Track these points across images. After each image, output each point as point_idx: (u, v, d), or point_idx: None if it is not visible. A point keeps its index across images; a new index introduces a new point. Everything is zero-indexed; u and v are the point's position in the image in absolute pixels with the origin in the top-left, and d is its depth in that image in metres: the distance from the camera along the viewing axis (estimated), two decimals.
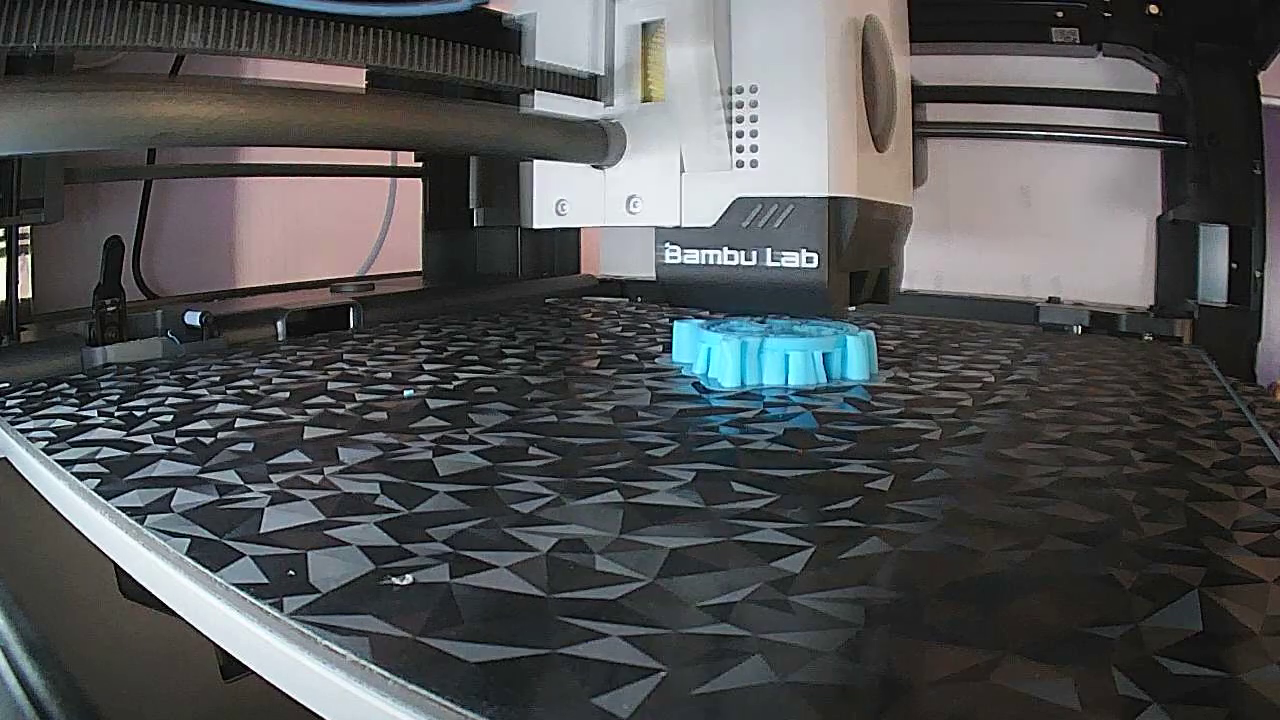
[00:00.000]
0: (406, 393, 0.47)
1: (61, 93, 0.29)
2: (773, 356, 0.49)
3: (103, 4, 0.31)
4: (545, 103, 0.52)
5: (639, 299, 0.96)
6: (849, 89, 0.48)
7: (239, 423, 0.41)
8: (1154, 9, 0.78)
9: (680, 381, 0.50)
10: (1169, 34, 0.78)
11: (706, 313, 0.63)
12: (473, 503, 0.30)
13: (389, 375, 0.51)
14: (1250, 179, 0.74)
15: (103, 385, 0.49)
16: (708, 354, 0.51)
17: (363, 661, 0.20)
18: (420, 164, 0.97)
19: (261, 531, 0.28)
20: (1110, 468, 0.34)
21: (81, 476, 0.33)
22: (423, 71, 0.41)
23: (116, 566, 0.31)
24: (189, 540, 0.27)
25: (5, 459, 0.40)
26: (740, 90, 0.49)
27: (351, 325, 0.72)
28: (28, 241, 0.66)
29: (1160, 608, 0.22)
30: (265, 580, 0.24)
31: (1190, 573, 0.24)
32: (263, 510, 0.29)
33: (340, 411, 0.43)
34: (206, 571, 0.25)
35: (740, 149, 0.49)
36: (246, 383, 0.49)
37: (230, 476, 0.33)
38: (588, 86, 0.52)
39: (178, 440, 0.38)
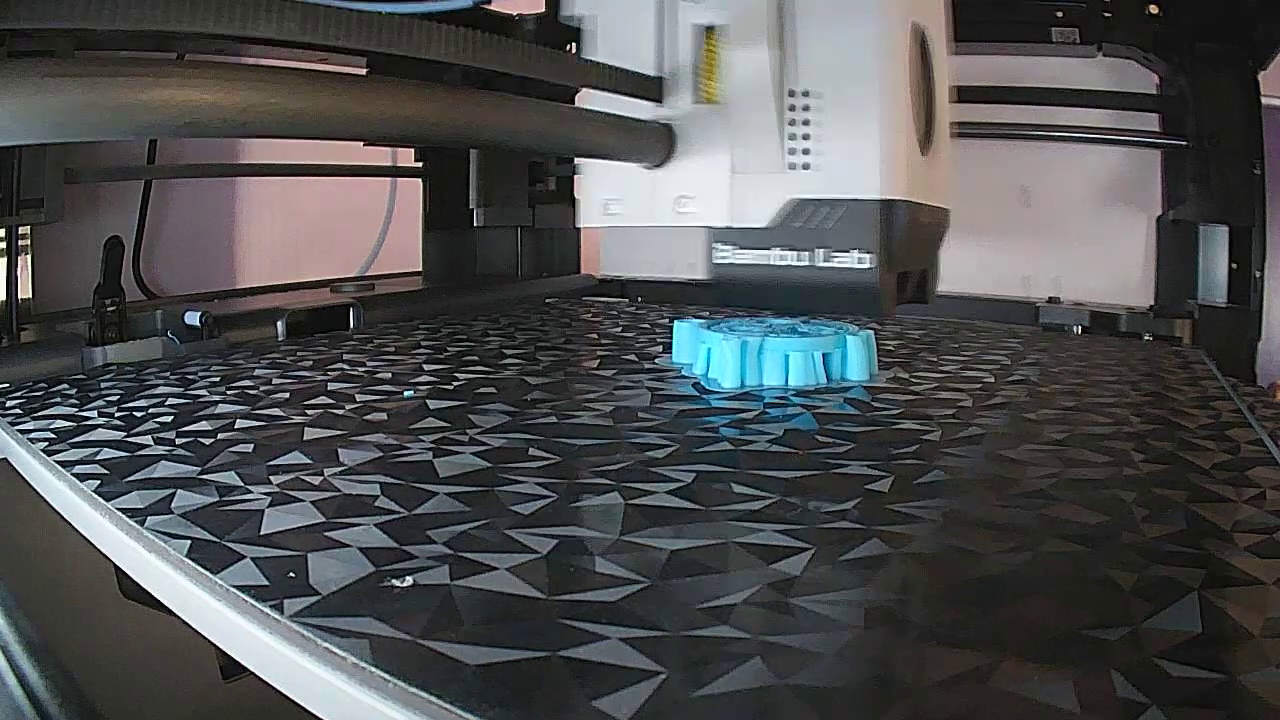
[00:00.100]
0: (406, 393, 0.47)
1: (83, 76, 0.27)
2: (772, 357, 0.49)
3: None
4: (596, 102, 0.52)
5: (639, 299, 0.96)
6: (902, 94, 0.49)
7: (239, 423, 0.41)
8: (1154, 9, 0.78)
9: (680, 382, 0.50)
10: (1169, 34, 0.78)
11: (706, 313, 0.64)
12: (473, 504, 0.30)
13: (389, 376, 0.51)
14: (1250, 179, 0.74)
15: (103, 386, 0.49)
16: (708, 354, 0.51)
17: (363, 664, 0.20)
18: (420, 164, 0.97)
19: (262, 533, 0.28)
20: (1110, 469, 0.34)
21: (81, 478, 0.33)
22: (485, 66, 0.40)
23: (116, 566, 0.31)
24: (189, 542, 0.27)
25: (5, 460, 0.40)
26: (796, 94, 0.50)
27: (352, 325, 0.72)
28: (28, 241, 0.66)
29: (1160, 610, 0.22)
30: (266, 582, 0.24)
31: (1190, 574, 0.24)
32: (263, 512, 0.29)
33: (340, 412, 0.43)
34: (207, 573, 0.25)
35: (793, 151, 0.50)
36: (246, 383, 0.49)
37: (230, 478, 0.33)
38: (646, 87, 0.52)
39: (178, 441, 0.38)
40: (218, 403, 0.45)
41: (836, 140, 0.50)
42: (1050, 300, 0.82)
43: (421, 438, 0.38)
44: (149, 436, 0.39)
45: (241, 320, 0.66)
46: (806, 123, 0.50)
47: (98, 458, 0.36)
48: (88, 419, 0.42)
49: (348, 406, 0.44)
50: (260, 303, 0.75)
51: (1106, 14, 0.79)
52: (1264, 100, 0.74)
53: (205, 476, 0.33)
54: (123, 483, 0.32)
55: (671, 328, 0.57)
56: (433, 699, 0.19)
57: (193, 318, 0.61)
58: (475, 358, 0.57)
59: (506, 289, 0.92)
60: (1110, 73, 0.83)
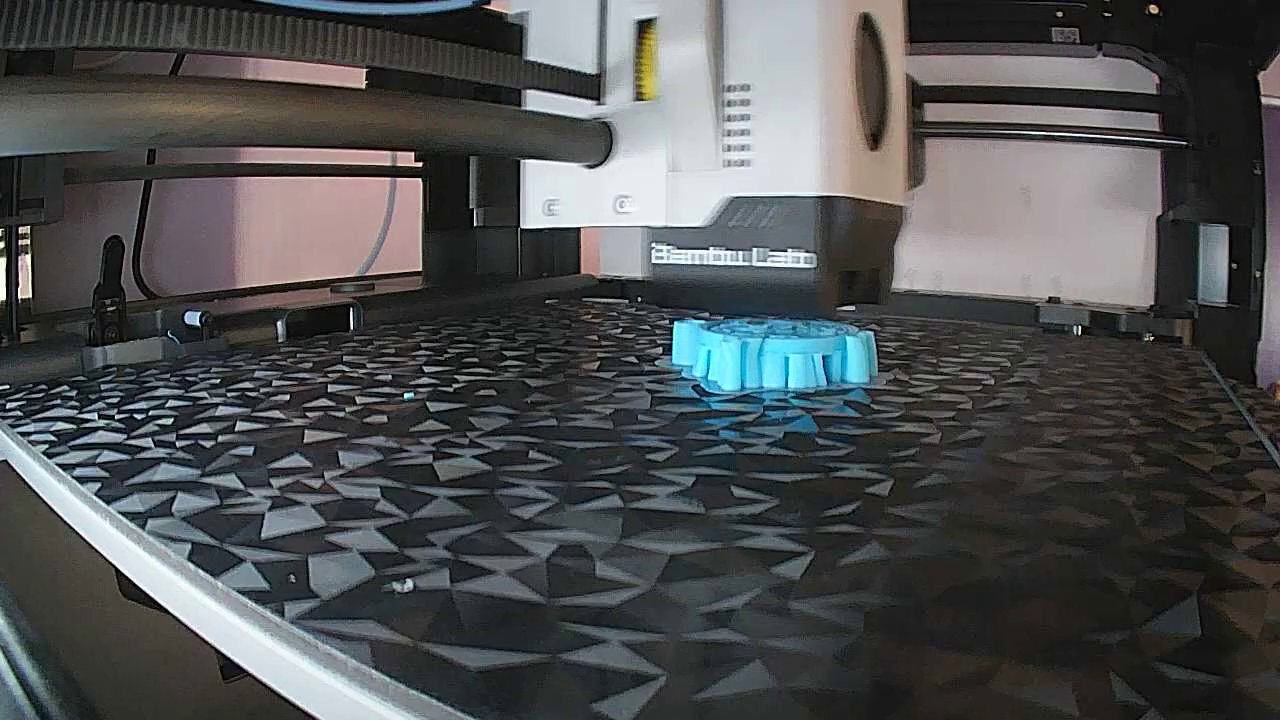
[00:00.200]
0: (407, 395, 0.47)
1: (61, 92, 0.28)
2: (773, 358, 0.49)
3: (78, 1, 0.30)
4: (535, 102, 0.51)
5: (639, 299, 0.96)
6: (844, 87, 0.47)
7: (239, 426, 0.41)
8: (1154, 9, 0.78)
9: (680, 384, 0.50)
10: (1169, 34, 0.78)
11: (705, 314, 0.63)
12: (473, 507, 0.30)
13: (389, 378, 0.51)
14: (1250, 179, 0.74)
15: (103, 388, 0.49)
16: (708, 356, 0.51)
17: (364, 667, 0.20)
18: (420, 164, 0.97)
19: (262, 537, 0.28)
20: (1110, 471, 0.34)
21: (82, 480, 0.33)
22: (414, 69, 0.39)
23: (116, 567, 0.31)
24: (190, 545, 0.27)
25: (5, 461, 0.41)
26: (733, 88, 0.48)
27: (352, 325, 0.72)
28: (28, 241, 0.66)
29: (1159, 613, 0.22)
30: (266, 586, 0.24)
31: (1189, 578, 0.25)
32: (264, 515, 0.29)
33: (340, 415, 0.43)
34: (208, 577, 0.25)
35: (730, 148, 0.48)
36: (246, 385, 0.49)
37: (231, 480, 0.33)
38: (583, 84, 0.51)
39: (178, 444, 0.38)
40: (218, 405, 0.45)
41: (774, 135, 0.47)
42: (1050, 300, 0.82)
43: (422, 440, 0.38)
44: (149, 439, 0.39)
45: (241, 320, 0.66)
46: (745, 118, 0.48)
47: (98, 460, 0.36)
48: (88, 421, 0.42)
49: (348, 409, 0.44)
50: (260, 303, 0.75)
51: (1106, 14, 0.79)
52: (1264, 100, 0.74)
53: (206, 479, 0.33)
54: (123, 486, 0.33)
55: (671, 329, 0.57)
56: (434, 702, 0.19)
57: (193, 318, 0.61)
58: (475, 360, 0.57)
59: (506, 289, 0.92)
60: (1110, 73, 0.83)
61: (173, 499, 0.31)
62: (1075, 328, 0.78)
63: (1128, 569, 0.25)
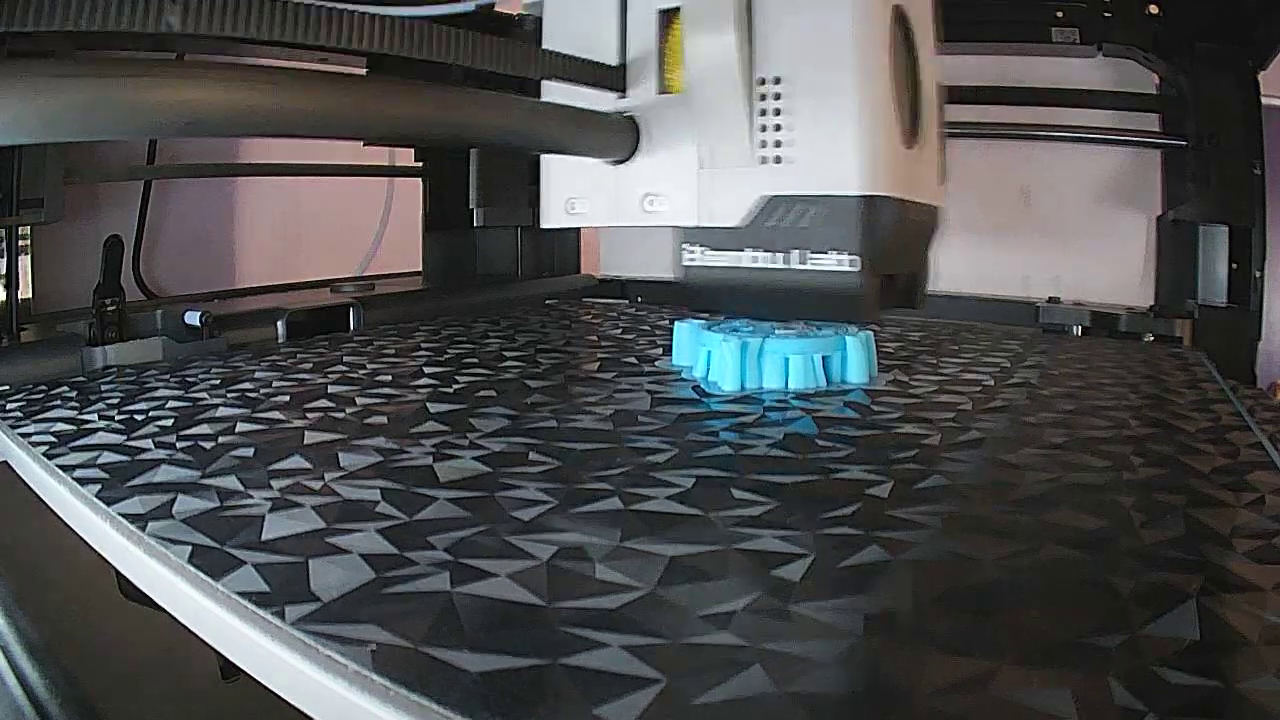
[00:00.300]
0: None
1: (86, 76, 0.27)
2: (773, 359, 0.49)
3: None
4: (553, 96, 0.50)
5: (639, 299, 0.96)
6: (881, 80, 0.45)
7: (239, 427, 0.41)
8: (1154, 9, 0.78)
9: (680, 385, 0.50)
10: (1169, 34, 0.78)
11: (705, 315, 0.63)
12: (473, 509, 0.30)
13: (389, 378, 0.51)
14: (1250, 179, 0.74)
15: (103, 388, 0.49)
16: (707, 357, 0.51)
17: (364, 671, 0.20)
18: (420, 163, 0.97)
19: (263, 539, 0.28)
20: (1109, 473, 0.34)
21: (82, 482, 0.33)
22: (424, 57, 0.38)
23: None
24: (190, 548, 0.27)
25: (5, 462, 0.41)
26: (765, 81, 0.46)
27: (352, 325, 0.72)
28: (28, 241, 0.66)
29: (1158, 615, 0.22)
30: (267, 588, 0.24)
31: (1188, 580, 0.25)
32: (264, 517, 0.29)
33: (340, 416, 0.43)
34: (208, 579, 0.25)
35: (765, 144, 0.46)
36: (246, 386, 0.49)
37: (231, 482, 0.33)
38: (606, 76, 0.49)
39: (178, 445, 0.38)
40: (218, 406, 0.45)
41: (811, 131, 0.45)
42: (1050, 300, 0.82)
43: (422, 442, 0.38)
44: (149, 440, 0.39)
45: (241, 320, 0.66)
46: (779, 112, 0.45)
47: (98, 461, 0.36)
48: (88, 422, 0.42)
49: (348, 410, 0.44)
50: (260, 303, 0.75)
51: (1106, 14, 0.79)
52: (1264, 100, 0.74)
53: (206, 481, 0.33)
54: (123, 487, 0.33)
55: (671, 329, 0.57)
56: (434, 706, 0.19)
57: (193, 318, 0.61)
58: (475, 360, 0.57)
59: (506, 289, 0.92)
60: (1110, 73, 0.83)
61: (173, 501, 0.31)
62: (1075, 328, 0.78)
63: (1127, 571, 0.25)
